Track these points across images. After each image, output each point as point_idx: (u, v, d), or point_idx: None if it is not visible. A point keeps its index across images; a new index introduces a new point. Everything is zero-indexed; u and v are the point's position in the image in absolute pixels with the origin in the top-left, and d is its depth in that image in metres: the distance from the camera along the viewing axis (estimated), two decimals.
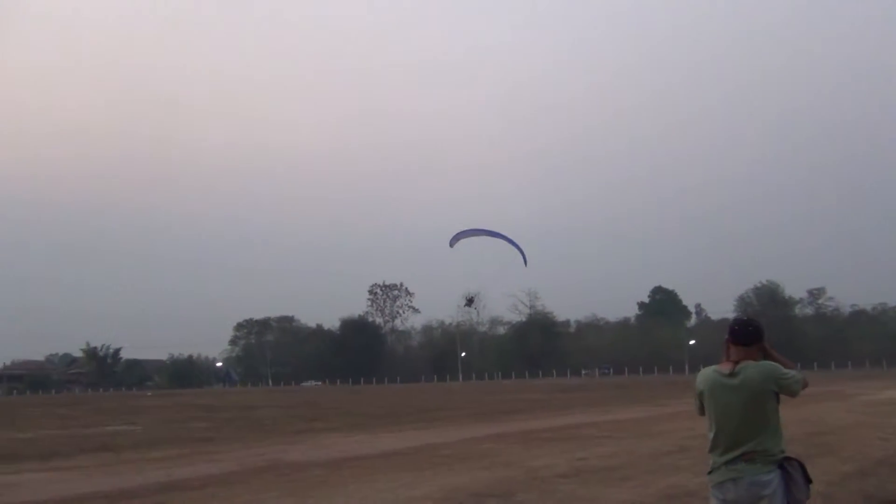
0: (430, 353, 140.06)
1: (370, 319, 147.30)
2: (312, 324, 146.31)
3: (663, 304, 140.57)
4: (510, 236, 27.24)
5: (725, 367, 5.45)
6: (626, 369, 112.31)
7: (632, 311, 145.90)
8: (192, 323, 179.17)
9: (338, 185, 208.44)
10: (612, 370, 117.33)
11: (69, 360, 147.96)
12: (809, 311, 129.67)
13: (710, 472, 5.49)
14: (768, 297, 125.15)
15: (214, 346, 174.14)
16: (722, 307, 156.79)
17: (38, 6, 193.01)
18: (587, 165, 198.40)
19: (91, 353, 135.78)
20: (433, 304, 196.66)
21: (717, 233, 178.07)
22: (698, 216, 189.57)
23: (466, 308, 25.84)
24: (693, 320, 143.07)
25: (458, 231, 27.70)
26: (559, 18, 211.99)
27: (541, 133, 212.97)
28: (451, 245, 27.18)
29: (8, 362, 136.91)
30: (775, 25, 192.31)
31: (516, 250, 26.34)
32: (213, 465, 18.67)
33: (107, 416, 39.87)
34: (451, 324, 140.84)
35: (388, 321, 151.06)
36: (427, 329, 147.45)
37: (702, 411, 5.67)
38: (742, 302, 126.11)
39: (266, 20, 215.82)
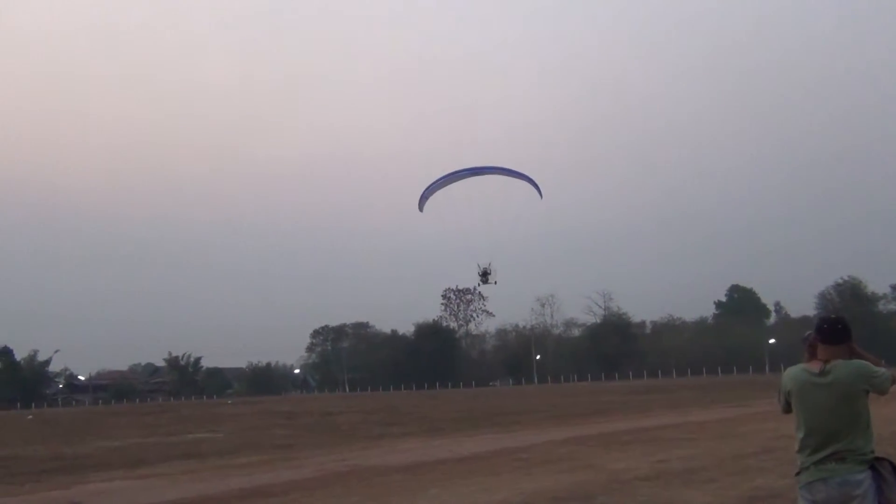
0: (505, 357, 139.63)
1: (444, 324, 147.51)
2: (387, 329, 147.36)
3: (741, 303, 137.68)
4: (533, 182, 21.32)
5: (815, 366, 5.34)
6: (704, 369, 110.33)
7: (709, 311, 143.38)
8: (270, 331, 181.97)
9: (410, 189, 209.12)
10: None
11: (152, 370, 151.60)
12: (894, 306, 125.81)
13: (798, 473, 5.39)
14: (850, 294, 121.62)
15: (292, 353, 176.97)
16: (802, 305, 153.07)
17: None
18: (661, 166, 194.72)
19: (173, 362, 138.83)
20: (507, 308, 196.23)
21: (796, 230, 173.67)
22: (776, 214, 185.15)
23: (482, 283, 24.44)
24: (772, 319, 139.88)
25: (428, 186, 22.32)
26: None
27: (607, 137, 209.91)
28: (421, 209, 22.62)
29: (94, 372, 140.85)
30: None
31: (524, 183, 21.54)
32: (294, 471, 18.95)
33: (189, 424, 40.75)
34: (525, 327, 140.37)
35: (462, 325, 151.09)
36: (501, 332, 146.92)
37: (787, 410, 5.56)
38: (823, 299, 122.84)
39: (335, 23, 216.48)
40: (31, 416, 57.86)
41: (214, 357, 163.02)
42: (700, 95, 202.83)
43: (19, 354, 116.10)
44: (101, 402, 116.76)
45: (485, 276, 24.34)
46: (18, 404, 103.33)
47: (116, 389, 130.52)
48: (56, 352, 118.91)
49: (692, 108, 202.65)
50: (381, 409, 49.67)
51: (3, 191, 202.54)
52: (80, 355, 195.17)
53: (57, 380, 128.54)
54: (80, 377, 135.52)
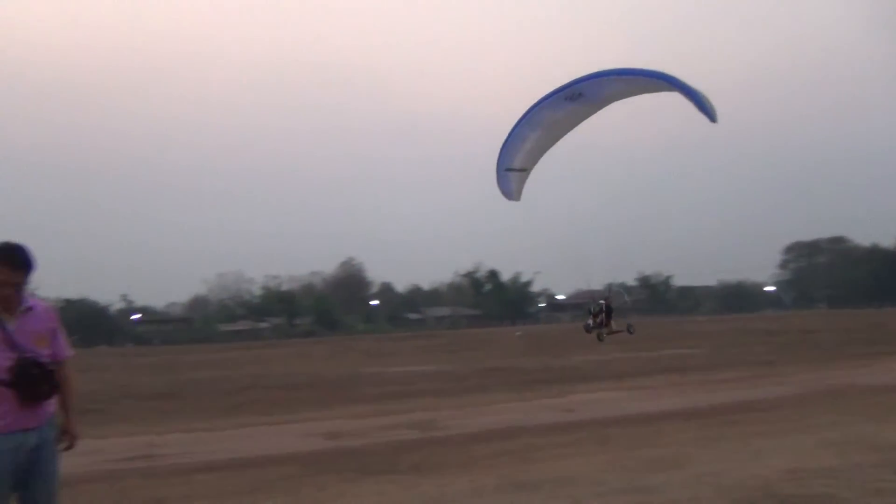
0: None
1: None
2: (867, 243, 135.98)
3: None
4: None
5: None
6: None
7: None
8: (740, 249, 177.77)
9: None
10: None
11: (625, 289, 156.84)
12: None
13: None
14: None
15: (762, 270, 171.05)
16: None
17: None
18: None
19: (644, 281, 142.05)
20: None
21: None
22: None
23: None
24: None
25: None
26: None
27: None
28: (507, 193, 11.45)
29: (571, 292, 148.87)
30: None
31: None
32: (778, 388, 18.63)
33: (665, 341, 41.49)
34: None
35: None
36: None
37: None
38: None
39: None
40: (519, 333, 62.99)
41: (684, 276, 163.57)
42: None
43: (505, 276, 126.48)
44: (578, 319, 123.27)
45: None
46: (507, 322, 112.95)
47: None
48: (536, 273, 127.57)
49: None
50: (862, 327, 46.32)
51: None
52: (558, 276, 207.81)
53: (538, 298, 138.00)
54: (558, 296, 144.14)
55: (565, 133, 10.78)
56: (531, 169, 11.10)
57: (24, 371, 4.95)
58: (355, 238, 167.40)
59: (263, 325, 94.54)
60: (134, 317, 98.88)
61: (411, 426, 14.92)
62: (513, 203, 11.19)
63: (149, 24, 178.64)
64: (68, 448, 5.38)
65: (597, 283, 15.36)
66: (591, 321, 14.95)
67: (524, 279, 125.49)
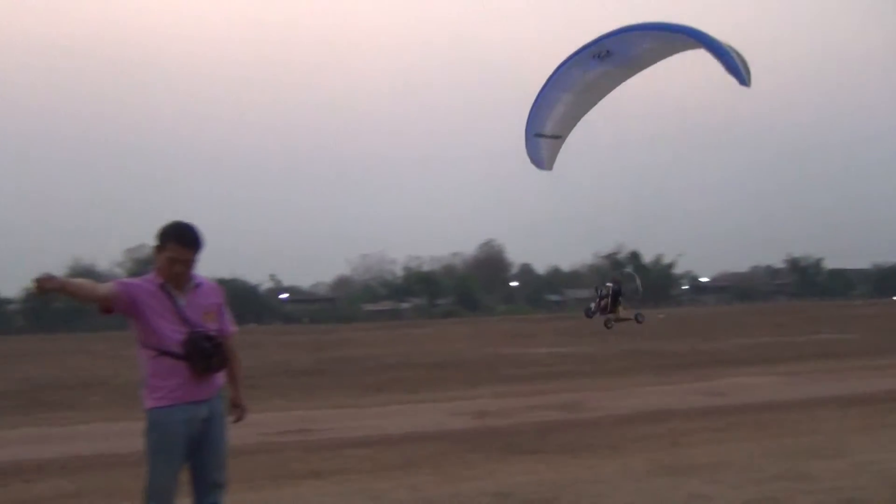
0: None
1: None
2: None
3: None
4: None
5: None
6: None
7: None
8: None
9: None
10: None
11: (772, 272, 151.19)
12: None
13: None
14: None
15: None
16: None
17: None
18: None
19: (793, 263, 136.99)
20: None
21: None
22: None
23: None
24: None
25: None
26: None
27: None
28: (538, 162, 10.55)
29: (715, 274, 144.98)
30: None
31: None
32: None
33: (817, 325, 39.94)
34: None
35: None
36: None
37: None
38: None
39: None
40: (662, 315, 61.77)
41: (836, 258, 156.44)
42: None
43: (647, 257, 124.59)
44: (722, 302, 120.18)
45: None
46: (649, 304, 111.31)
47: (738, 290, 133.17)
48: (679, 255, 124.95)
49: None
50: None
51: None
52: (701, 258, 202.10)
53: (681, 281, 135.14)
54: (702, 279, 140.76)
55: (600, 98, 9.96)
56: (566, 137, 10.27)
57: (197, 344, 5.16)
58: (496, 219, 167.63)
59: (405, 305, 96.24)
60: (282, 296, 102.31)
61: (557, 407, 14.89)
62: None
63: None
64: (237, 420, 5.61)
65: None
66: (592, 305, 14.06)
67: (666, 261, 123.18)
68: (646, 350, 28.07)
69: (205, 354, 5.18)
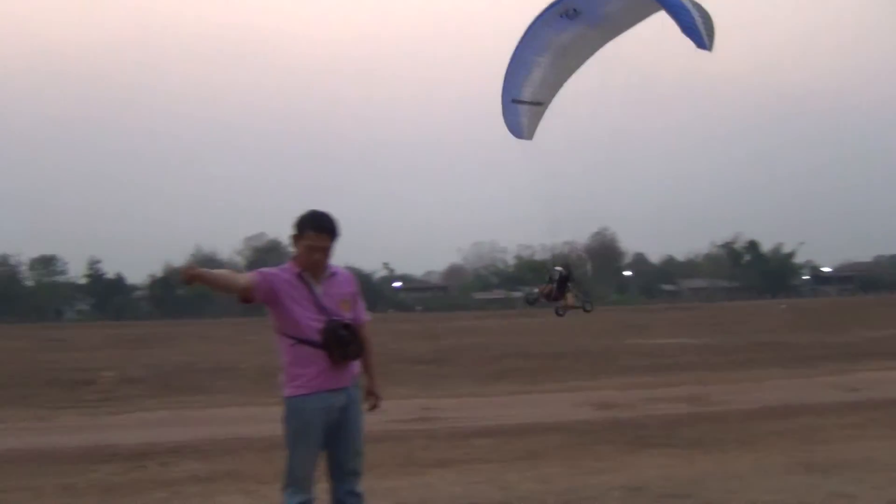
0: None
1: None
2: None
3: None
4: None
5: None
6: None
7: None
8: None
9: None
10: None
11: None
12: None
13: None
14: None
15: None
16: None
17: None
18: None
19: None
20: None
21: None
22: None
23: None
24: None
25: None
26: None
27: None
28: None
29: (838, 264, 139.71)
30: None
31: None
32: None
33: None
34: None
35: None
36: None
37: None
38: None
39: None
40: (784, 306, 59.92)
41: None
42: None
43: (765, 246, 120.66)
44: (845, 293, 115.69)
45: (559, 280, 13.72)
46: (767, 294, 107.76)
47: (861, 280, 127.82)
48: (800, 244, 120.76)
49: None
50: None
51: None
52: (823, 247, 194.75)
53: (802, 271, 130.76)
54: (823, 268, 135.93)
55: (579, 63, 9.05)
56: (548, 103, 9.34)
57: (334, 332, 5.19)
58: (607, 208, 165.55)
59: (516, 293, 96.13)
60: (395, 284, 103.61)
61: (683, 399, 14.62)
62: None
63: None
64: (372, 408, 5.64)
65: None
66: (536, 290, 12.51)
67: (786, 250, 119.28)
68: (769, 342, 27.25)
69: (342, 343, 5.20)
